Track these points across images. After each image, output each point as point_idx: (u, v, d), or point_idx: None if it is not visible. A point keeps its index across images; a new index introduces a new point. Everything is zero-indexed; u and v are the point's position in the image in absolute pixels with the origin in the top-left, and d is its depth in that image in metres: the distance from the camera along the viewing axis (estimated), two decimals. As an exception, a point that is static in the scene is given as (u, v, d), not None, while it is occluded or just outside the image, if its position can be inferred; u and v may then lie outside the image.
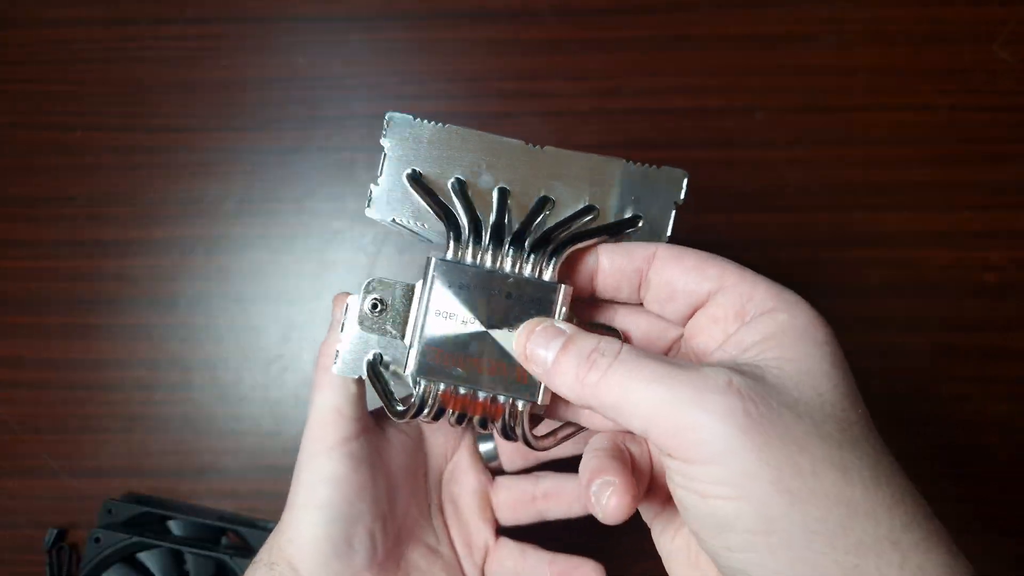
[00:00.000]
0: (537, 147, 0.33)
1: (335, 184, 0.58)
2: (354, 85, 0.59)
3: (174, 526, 0.53)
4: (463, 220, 0.32)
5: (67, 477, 0.56)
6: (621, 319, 0.33)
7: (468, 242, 0.32)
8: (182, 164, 0.59)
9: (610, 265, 0.31)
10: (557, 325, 0.29)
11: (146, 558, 0.52)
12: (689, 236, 0.58)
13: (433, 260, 0.31)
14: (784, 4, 0.59)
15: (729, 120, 0.58)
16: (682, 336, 0.32)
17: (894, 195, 0.57)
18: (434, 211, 0.32)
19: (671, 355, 0.33)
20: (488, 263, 0.32)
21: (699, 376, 0.25)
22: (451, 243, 0.32)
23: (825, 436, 0.24)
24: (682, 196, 0.34)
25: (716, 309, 0.30)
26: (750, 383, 0.25)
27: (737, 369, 0.25)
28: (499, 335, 0.31)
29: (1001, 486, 0.54)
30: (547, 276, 0.31)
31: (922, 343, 0.56)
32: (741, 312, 0.29)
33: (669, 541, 0.32)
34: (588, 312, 0.34)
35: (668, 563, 0.32)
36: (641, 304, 0.32)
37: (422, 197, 0.33)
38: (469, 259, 0.32)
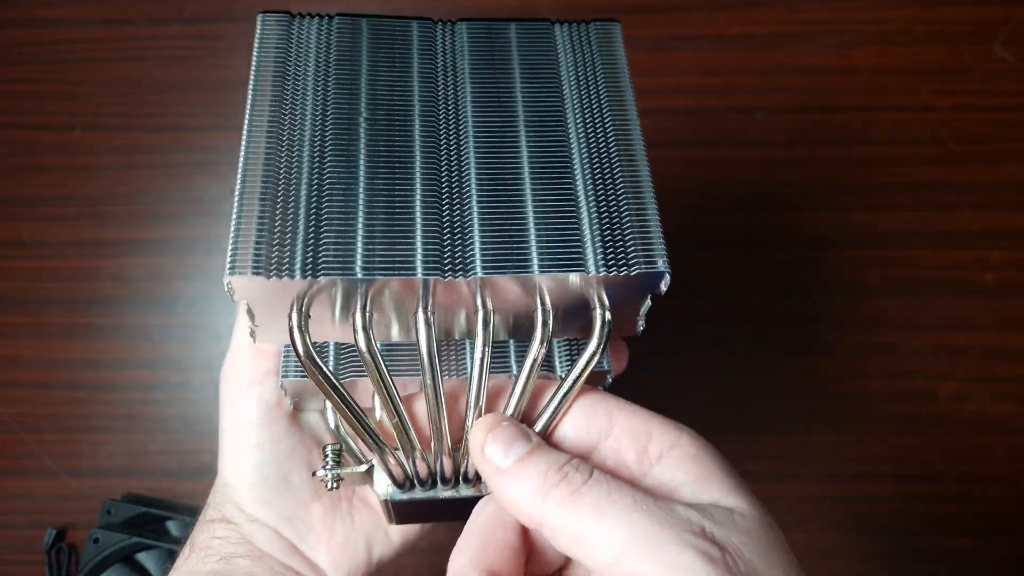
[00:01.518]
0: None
1: (335, 184, 0.58)
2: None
3: (173, 526, 0.53)
4: (401, 471, 0.29)
5: (66, 477, 0.56)
6: None
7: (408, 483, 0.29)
8: (181, 164, 0.59)
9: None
10: (524, 428, 0.26)
11: (145, 559, 0.52)
12: (689, 237, 0.58)
13: (387, 500, 0.30)
14: (784, 4, 0.59)
15: (729, 120, 0.58)
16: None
17: (894, 195, 0.57)
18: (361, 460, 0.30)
19: None
20: (436, 491, 0.30)
21: (675, 517, 0.23)
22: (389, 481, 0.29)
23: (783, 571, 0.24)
24: (623, 52, 0.31)
25: (616, 443, 0.27)
26: (723, 534, 0.23)
27: (704, 512, 0.24)
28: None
29: (1001, 485, 0.54)
30: None
31: (922, 343, 0.55)
32: (645, 450, 0.26)
33: None
34: None
35: None
36: None
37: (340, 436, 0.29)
38: (418, 494, 0.30)
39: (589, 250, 0.26)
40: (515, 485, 0.24)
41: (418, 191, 0.26)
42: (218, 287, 0.58)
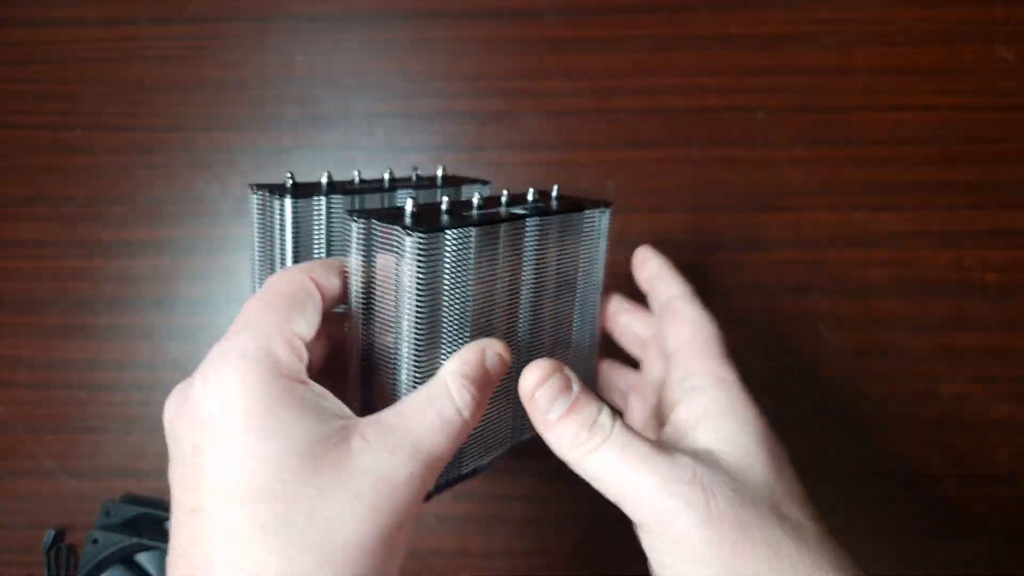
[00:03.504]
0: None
1: (335, 184, 0.58)
2: (353, 84, 0.59)
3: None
4: None
5: (65, 478, 0.56)
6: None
7: None
8: (181, 163, 0.59)
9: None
10: (568, 374, 0.31)
11: (144, 560, 0.52)
12: (689, 236, 0.58)
13: None
14: (784, 4, 0.59)
15: (729, 120, 0.58)
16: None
17: (894, 195, 0.57)
18: None
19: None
20: None
21: (671, 465, 0.29)
22: None
23: (763, 517, 0.29)
24: None
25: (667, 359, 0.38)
26: (710, 475, 0.29)
27: (699, 458, 0.30)
28: None
29: (1003, 486, 0.54)
30: None
31: (922, 343, 0.55)
32: (683, 381, 0.36)
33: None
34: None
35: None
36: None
37: None
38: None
39: None
40: (554, 435, 0.31)
41: None
42: (219, 288, 0.58)
